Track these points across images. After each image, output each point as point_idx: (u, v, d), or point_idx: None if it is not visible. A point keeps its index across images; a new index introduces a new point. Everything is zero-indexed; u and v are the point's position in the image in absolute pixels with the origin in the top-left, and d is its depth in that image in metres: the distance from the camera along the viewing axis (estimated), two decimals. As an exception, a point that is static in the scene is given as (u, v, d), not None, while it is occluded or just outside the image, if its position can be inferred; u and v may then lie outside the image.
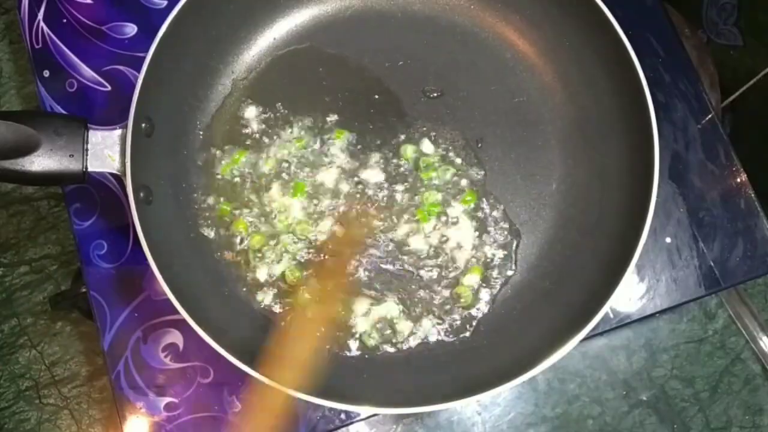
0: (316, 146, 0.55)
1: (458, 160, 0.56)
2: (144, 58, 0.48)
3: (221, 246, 0.53)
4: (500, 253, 0.54)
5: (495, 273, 0.54)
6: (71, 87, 0.61)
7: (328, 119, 0.56)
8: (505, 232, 0.54)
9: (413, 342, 0.52)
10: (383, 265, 0.53)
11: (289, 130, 0.56)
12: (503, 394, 1.13)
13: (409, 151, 0.55)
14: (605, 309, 0.46)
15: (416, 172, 0.55)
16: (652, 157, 0.49)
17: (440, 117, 0.56)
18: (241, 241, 0.53)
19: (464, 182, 0.55)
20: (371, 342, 0.52)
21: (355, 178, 0.55)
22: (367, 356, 0.51)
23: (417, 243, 0.54)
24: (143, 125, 0.49)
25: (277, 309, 0.52)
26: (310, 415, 0.54)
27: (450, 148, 0.56)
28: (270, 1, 0.57)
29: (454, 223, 0.54)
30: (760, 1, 0.84)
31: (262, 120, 0.56)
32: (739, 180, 0.61)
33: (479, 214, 0.55)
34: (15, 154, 0.45)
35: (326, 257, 0.53)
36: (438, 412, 1.10)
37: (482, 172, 0.56)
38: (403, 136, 0.56)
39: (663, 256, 0.59)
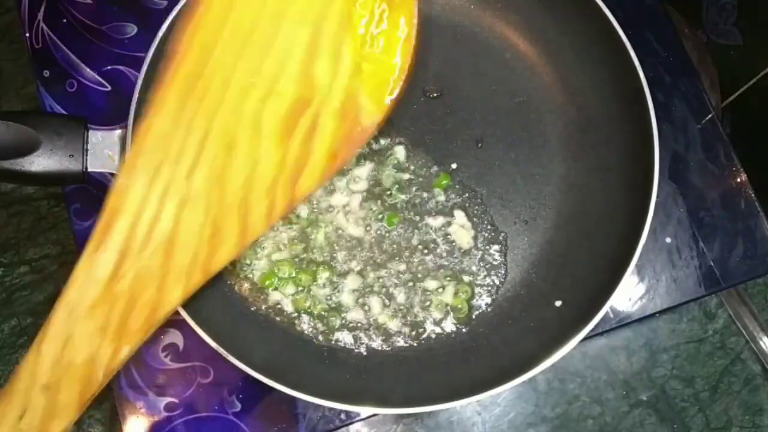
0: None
1: (454, 165, 0.56)
2: (144, 58, 0.48)
3: (221, 246, 0.53)
4: (497, 254, 0.54)
5: (493, 273, 0.54)
6: (71, 87, 0.61)
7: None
8: (501, 233, 0.54)
9: (410, 341, 0.52)
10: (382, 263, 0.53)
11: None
12: (503, 394, 1.13)
13: (401, 153, 0.55)
14: (605, 309, 0.47)
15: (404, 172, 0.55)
16: (652, 156, 0.49)
17: (440, 117, 0.56)
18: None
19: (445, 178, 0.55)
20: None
21: (351, 178, 0.55)
22: (366, 356, 0.51)
23: (413, 241, 0.54)
24: (143, 125, 0.49)
25: (281, 304, 0.52)
26: (310, 415, 0.54)
27: (443, 151, 0.56)
28: (270, 1, 0.57)
29: (449, 224, 0.54)
30: (760, 1, 0.84)
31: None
32: (739, 180, 0.61)
33: (472, 212, 0.55)
34: (15, 154, 0.46)
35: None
36: (438, 412, 1.10)
37: (475, 171, 0.56)
38: (398, 138, 0.56)
39: (663, 256, 0.59)
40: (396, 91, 0.40)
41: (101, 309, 0.33)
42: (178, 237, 0.34)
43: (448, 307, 0.53)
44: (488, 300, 0.53)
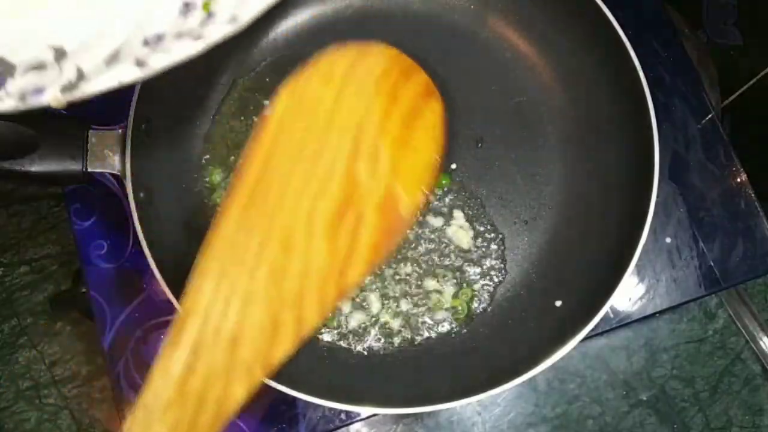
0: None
1: (454, 166, 0.56)
2: (144, 58, 0.48)
3: (221, 246, 0.53)
4: (496, 255, 0.54)
5: (493, 273, 0.54)
6: (71, 87, 0.61)
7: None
8: (501, 233, 0.54)
9: (410, 341, 0.52)
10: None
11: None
12: (503, 394, 1.13)
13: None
14: (605, 309, 0.46)
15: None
16: (652, 157, 0.49)
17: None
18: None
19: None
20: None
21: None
22: (367, 356, 0.51)
23: (412, 241, 0.54)
24: (143, 125, 0.49)
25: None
26: (310, 415, 0.54)
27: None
28: (270, 1, 0.57)
29: (449, 225, 0.54)
30: (760, 0, 0.84)
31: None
32: (739, 180, 0.61)
33: (472, 212, 0.55)
34: (15, 154, 0.45)
35: None
36: (438, 412, 1.10)
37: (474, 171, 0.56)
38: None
39: (663, 256, 0.59)
40: (428, 184, 0.45)
41: (173, 410, 0.35)
42: (241, 334, 0.37)
43: (448, 308, 0.53)
44: (488, 300, 0.53)
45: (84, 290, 0.58)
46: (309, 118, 0.44)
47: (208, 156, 0.55)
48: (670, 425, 1.16)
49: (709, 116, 0.62)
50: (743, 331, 1.20)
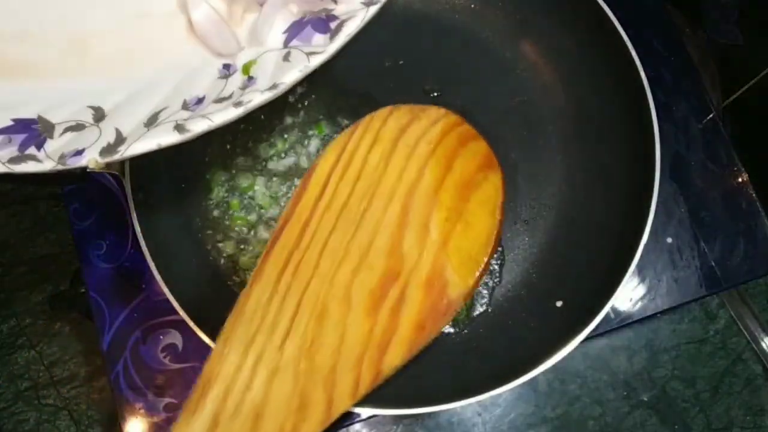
0: (310, 145, 0.55)
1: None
2: (143, 57, 0.48)
3: (221, 245, 0.53)
4: (496, 255, 0.54)
5: (493, 274, 0.54)
6: (70, 87, 0.61)
7: (322, 117, 0.56)
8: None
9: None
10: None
11: (285, 130, 0.56)
12: (504, 394, 1.13)
13: None
14: (606, 309, 0.46)
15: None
16: (653, 157, 0.49)
17: (440, 117, 0.56)
18: (242, 240, 0.53)
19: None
20: None
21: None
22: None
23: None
24: (142, 125, 0.48)
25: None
26: (310, 416, 0.54)
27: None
28: (270, 1, 0.57)
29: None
30: (760, 0, 0.84)
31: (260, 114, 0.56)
32: (740, 180, 0.61)
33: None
34: (13, 154, 0.45)
35: None
36: (438, 413, 1.10)
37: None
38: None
39: (664, 257, 0.59)
40: (482, 267, 0.40)
41: None
42: (266, 407, 0.35)
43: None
44: (488, 300, 0.53)
45: (83, 290, 0.58)
46: (355, 181, 0.40)
47: (208, 156, 0.55)
48: (671, 426, 1.16)
49: (711, 116, 0.62)
50: (744, 332, 1.20)
